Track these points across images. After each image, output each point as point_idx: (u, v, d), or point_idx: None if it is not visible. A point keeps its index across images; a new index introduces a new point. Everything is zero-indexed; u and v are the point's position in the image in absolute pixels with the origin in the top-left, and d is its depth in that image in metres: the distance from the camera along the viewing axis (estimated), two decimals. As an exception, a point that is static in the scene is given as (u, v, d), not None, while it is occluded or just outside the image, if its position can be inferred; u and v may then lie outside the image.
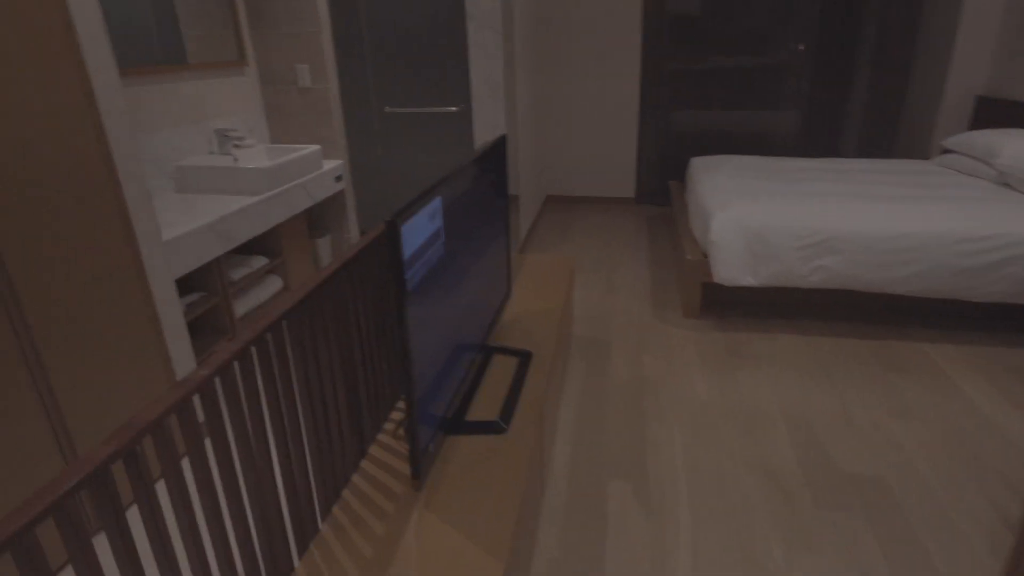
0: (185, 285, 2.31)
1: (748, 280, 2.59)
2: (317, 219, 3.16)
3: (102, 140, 1.54)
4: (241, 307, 2.49)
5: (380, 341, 1.43)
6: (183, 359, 1.87)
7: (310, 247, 3.01)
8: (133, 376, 1.69)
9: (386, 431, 1.47)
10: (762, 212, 2.60)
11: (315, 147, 2.78)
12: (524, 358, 1.72)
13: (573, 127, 4.53)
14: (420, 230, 1.13)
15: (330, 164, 2.91)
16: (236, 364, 0.89)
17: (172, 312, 1.82)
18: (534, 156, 4.15)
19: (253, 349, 0.92)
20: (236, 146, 2.64)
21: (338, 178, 2.96)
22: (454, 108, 3.45)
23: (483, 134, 3.20)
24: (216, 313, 2.40)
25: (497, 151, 1.69)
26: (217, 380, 0.88)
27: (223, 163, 2.47)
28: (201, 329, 2.43)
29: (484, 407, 1.53)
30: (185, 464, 1.77)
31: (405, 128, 3.61)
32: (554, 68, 4.39)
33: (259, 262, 2.60)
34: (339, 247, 3.23)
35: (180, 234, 1.95)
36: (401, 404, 1.58)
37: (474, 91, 3.14)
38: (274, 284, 2.71)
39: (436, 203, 1.21)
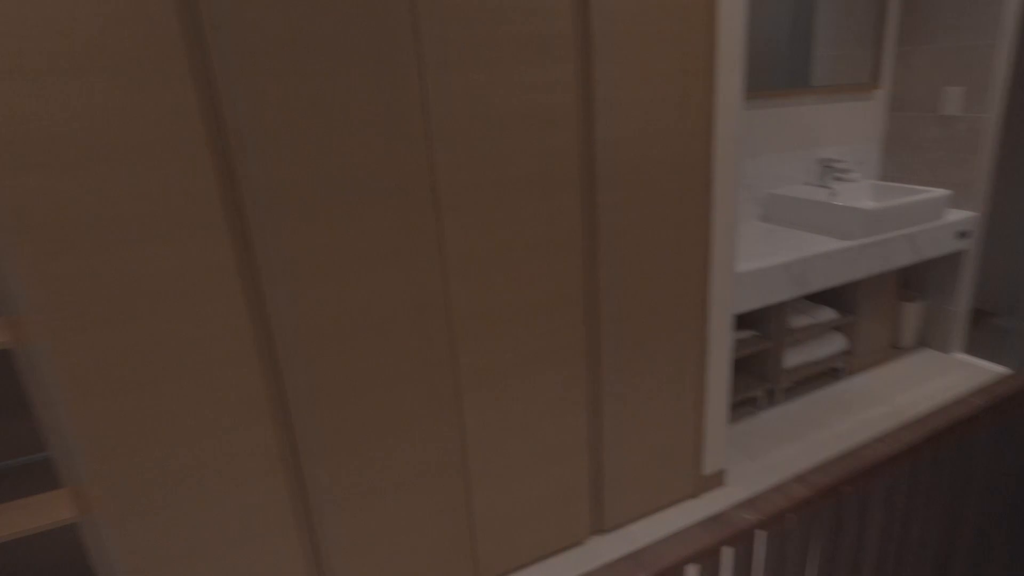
0: (739, 319, 2.17)
1: None
2: (914, 279, 2.53)
3: (708, 164, 1.48)
4: (791, 358, 2.19)
5: (996, 527, 0.89)
6: (718, 393, 1.72)
7: (894, 311, 2.43)
8: (668, 399, 1.64)
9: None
10: None
11: (941, 192, 2.17)
12: None
13: None
14: None
15: (956, 215, 2.24)
16: (790, 516, 0.60)
17: (721, 346, 1.68)
18: None
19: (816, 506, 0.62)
20: (837, 179, 2.31)
21: (962, 234, 2.26)
22: None
23: None
24: (763, 356, 2.18)
25: None
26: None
27: (817, 197, 2.18)
28: (744, 367, 2.26)
29: None
30: None
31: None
32: None
33: (825, 314, 2.23)
34: (936, 321, 2.50)
35: (753, 269, 1.80)
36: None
37: None
38: (835, 343, 2.29)
39: None
